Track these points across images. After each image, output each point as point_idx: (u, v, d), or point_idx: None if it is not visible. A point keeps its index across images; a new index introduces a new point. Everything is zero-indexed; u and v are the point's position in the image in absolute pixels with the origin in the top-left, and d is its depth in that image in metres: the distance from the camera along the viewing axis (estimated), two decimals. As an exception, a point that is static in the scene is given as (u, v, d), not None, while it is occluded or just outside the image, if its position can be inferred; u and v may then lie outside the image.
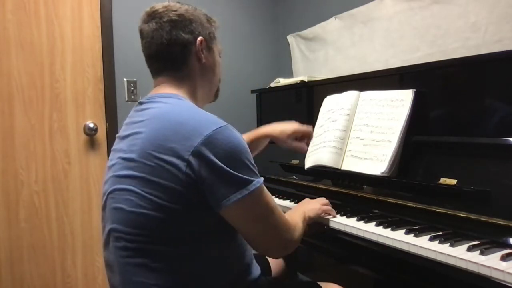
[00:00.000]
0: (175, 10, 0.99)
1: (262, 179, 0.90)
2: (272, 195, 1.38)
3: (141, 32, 1.02)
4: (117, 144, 0.99)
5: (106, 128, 2.17)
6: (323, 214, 1.22)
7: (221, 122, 0.88)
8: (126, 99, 2.21)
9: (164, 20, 0.98)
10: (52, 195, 2.05)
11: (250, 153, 0.90)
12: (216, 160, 0.83)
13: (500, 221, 0.94)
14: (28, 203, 1.99)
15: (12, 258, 1.96)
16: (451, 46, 1.58)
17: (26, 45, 1.97)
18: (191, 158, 0.83)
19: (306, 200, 1.26)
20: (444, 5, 1.61)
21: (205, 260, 0.90)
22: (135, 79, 2.23)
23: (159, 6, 1.00)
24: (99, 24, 2.13)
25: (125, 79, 2.21)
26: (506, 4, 1.40)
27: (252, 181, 0.86)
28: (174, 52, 0.99)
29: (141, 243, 0.87)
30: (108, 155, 2.13)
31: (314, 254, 1.93)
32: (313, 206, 1.20)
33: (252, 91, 2.28)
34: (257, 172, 0.90)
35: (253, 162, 0.90)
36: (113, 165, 0.96)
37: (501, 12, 1.41)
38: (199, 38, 1.01)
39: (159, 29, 0.98)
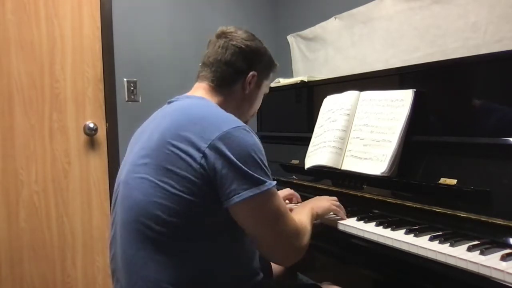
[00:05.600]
0: (246, 40, 1.07)
1: (275, 182, 0.90)
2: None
3: (209, 42, 1.10)
4: (137, 138, 1.03)
5: (106, 128, 2.17)
6: (332, 213, 1.19)
7: (240, 123, 0.92)
8: (126, 99, 2.22)
9: (233, 43, 1.06)
10: (52, 195, 2.05)
11: (265, 156, 0.91)
12: (232, 156, 0.85)
13: (500, 221, 0.94)
14: (28, 203, 1.99)
15: (12, 258, 1.96)
16: (451, 46, 1.58)
17: (26, 45, 1.97)
18: (207, 151, 0.85)
19: (316, 197, 1.24)
20: (444, 5, 1.61)
21: (213, 258, 0.91)
22: (135, 79, 2.23)
23: (235, 30, 1.09)
24: (99, 24, 2.13)
25: (125, 79, 2.21)
26: (506, 4, 1.39)
27: (264, 181, 0.87)
28: (226, 71, 1.06)
29: (151, 232, 0.87)
30: (108, 155, 2.16)
31: (314, 254, 1.93)
32: (322, 203, 1.18)
33: (252, 91, 2.28)
34: (270, 175, 0.91)
35: (267, 165, 0.91)
36: (131, 156, 0.98)
37: (501, 12, 1.41)
38: (252, 72, 1.08)
39: (225, 47, 1.06)
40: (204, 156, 0.85)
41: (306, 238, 0.98)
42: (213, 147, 0.85)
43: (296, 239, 0.94)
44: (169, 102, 1.05)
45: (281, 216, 0.91)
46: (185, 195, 0.86)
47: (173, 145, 0.87)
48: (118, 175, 1.03)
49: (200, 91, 1.06)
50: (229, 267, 0.94)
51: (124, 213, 0.93)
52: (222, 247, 0.92)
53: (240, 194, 0.85)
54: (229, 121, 0.90)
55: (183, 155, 0.86)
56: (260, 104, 1.19)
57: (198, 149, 0.85)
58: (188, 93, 1.09)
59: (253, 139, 0.90)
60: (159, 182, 0.87)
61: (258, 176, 0.87)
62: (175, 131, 0.89)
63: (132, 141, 1.06)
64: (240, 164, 0.85)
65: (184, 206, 0.86)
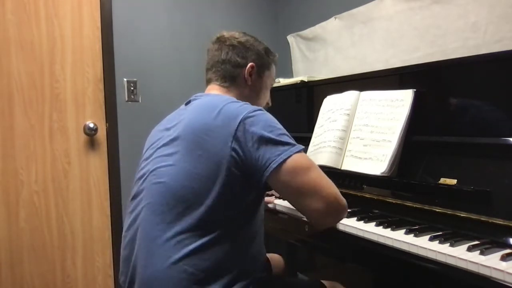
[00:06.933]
0: (237, 38, 1.18)
1: (303, 146, 0.98)
2: (271, 196, 1.39)
3: (208, 51, 1.21)
4: (156, 135, 1.09)
5: (106, 128, 2.17)
6: None
7: (257, 107, 1.01)
8: (126, 99, 2.21)
9: (226, 44, 1.17)
10: (52, 195, 2.05)
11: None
12: (259, 131, 0.94)
13: (500, 221, 0.94)
14: (28, 203, 1.99)
15: (12, 258, 1.96)
16: (451, 46, 1.58)
17: (26, 45, 1.97)
18: (237, 134, 0.93)
19: None
20: (444, 5, 1.61)
21: (229, 245, 0.94)
22: (135, 79, 2.23)
23: (226, 33, 1.19)
24: (99, 24, 2.13)
25: (125, 79, 2.21)
26: (506, 4, 1.39)
27: (294, 144, 0.97)
28: (225, 68, 1.15)
29: (180, 213, 0.92)
30: (108, 155, 2.16)
31: (314, 254, 1.93)
32: None
33: (252, 91, 2.28)
34: (294, 141, 0.99)
35: (289, 135, 0.99)
36: (155, 150, 1.04)
37: (501, 12, 1.41)
38: (250, 64, 1.16)
39: (220, 49, 1.17)
40: (235, 139, 0.93)
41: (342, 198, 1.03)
42: (241, 130, 0.94)
43: (334, 188, 0.99)
44: (187, 103, 1.12)
45: (315, 169, 0.98)
46: (213, 177, 0.92)
47: (202, 133, 0.95)
48: (140, 169, 1.09)
49: (213, 91, 1.15)
50: (241, 258, 0.98)
51: (152, 198, 0.98)
52: (237, 236, 0.97)
53: (275, 160, 0.92)
54: (249, 107, 0.99)
55: (214, 141, 0.93)
56: (268, 97, 1.27)
57: (228, 134, 0.93)
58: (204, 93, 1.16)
59: (271, 116, 1.00)
60: (190, 168, 0.93)
61: (286, 141, 0.96)
62: (202, 120, 0.97)
63: (151, 139, 1.12)
64: (268, 134, 0.94)
65: (211, 189, 0.92)
